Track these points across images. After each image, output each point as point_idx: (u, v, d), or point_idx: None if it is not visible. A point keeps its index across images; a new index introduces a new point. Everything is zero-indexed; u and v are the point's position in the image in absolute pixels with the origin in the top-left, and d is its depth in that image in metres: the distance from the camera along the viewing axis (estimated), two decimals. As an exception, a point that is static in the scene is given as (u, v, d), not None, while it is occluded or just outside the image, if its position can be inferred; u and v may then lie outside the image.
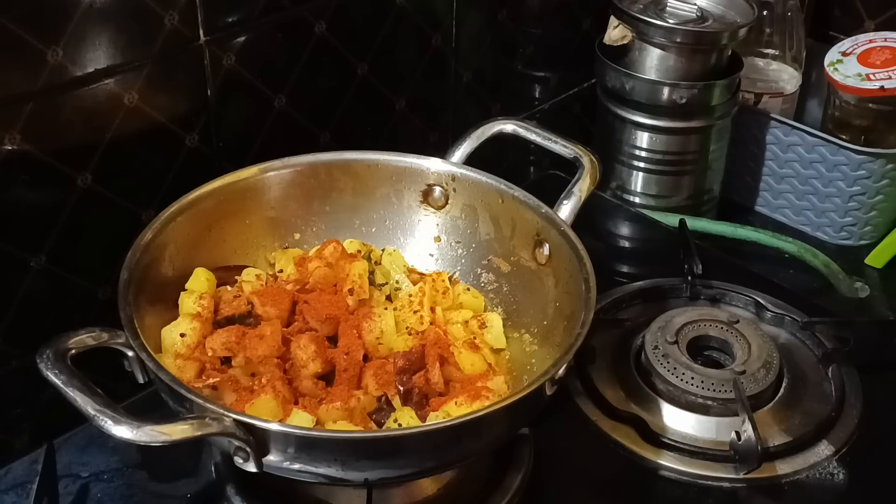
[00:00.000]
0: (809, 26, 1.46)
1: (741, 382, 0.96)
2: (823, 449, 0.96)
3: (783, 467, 0.94)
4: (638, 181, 1.31)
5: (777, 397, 1.00)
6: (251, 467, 0.73)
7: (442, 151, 1.00)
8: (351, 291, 0.91)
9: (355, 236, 1.00)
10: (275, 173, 0.97)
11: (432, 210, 1.00)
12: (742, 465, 0.92)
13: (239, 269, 0.95)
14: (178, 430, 0.70)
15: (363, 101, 1.13)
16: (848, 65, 1.27)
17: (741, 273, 1.17)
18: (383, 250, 1.00)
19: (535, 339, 0.92)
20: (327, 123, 1.10)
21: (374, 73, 1.12)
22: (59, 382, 0.72)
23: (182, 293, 0.89)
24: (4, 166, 0.86)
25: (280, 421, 0.79)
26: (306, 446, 0.73)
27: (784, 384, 1.01)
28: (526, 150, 1.16)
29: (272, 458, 0.73)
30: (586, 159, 0.97)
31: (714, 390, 0.97)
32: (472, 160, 1.00)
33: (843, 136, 1.28)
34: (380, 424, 0.84)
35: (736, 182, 1.37)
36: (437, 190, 0.99)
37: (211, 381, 0.83)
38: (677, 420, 0.97)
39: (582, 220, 0.94)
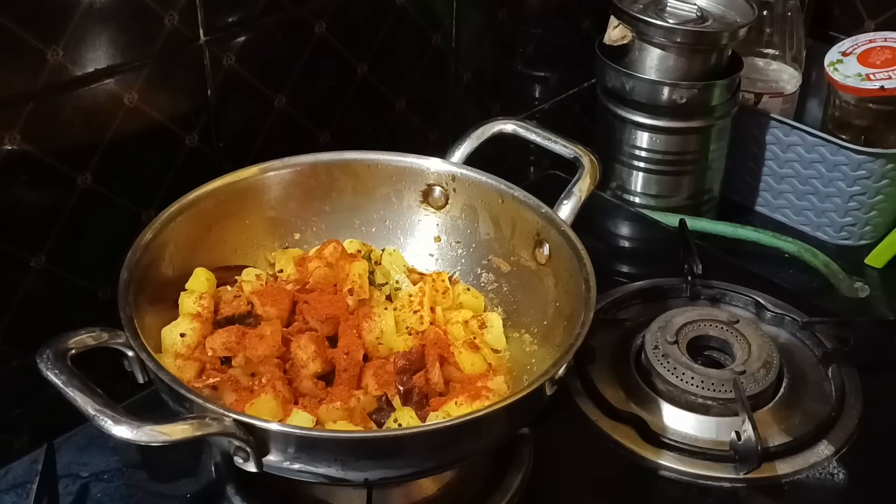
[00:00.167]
0: (809, 26, 1.46)
1: (741, 382, 0.96)
2: (823, 449, 0.95)
3: (783, 467, 0.94)
4: (638, 181, 1.31)
5: (777, 397, 1.00)
6: (251, 467, 0.73)
7: (442, 151, 1.00)
8: (351, 291, 0.91)
9: (355, 236, 1.00)
10: (275, 173, 0.97)
11: (432, 210, 1.00)
12: (742, 465, 0.92)
13: (239, 269, 0.95)
14: (178, 430, 0.70)
15: (363, 101, 1.13)
16: (848, 65, 1.27)
17: (741, 273, 1.17)
18: (383, 250, 0.99)
19: (535, 339, 0.92)
20: (327, 123, 1.10)
21: (374, 73, 1.12)
22: (59, 382, 0.72)
23: (182, 293, 0.89)
24: (4, 166, 0.86)
25: (280, 421, 0.79)
26: (306, 446, 0.73)
27: (784, 384, 1.01)
28: (526, 150, 1.16)
29: (272, 458, 0.73)
30: (586, 159, 0.97)
31: (714, 390, 0.97)
32: (472, 160, 1.00)
33: (843, 136, 1.28)
34: (380, 424, 0.83)
35: (736, 182, 1.37)
36: (437, 190, 0.99)
37: (211, 381, 0.83)
38: (677, 420, 0.97)
39: (582, 220, 0.94)
